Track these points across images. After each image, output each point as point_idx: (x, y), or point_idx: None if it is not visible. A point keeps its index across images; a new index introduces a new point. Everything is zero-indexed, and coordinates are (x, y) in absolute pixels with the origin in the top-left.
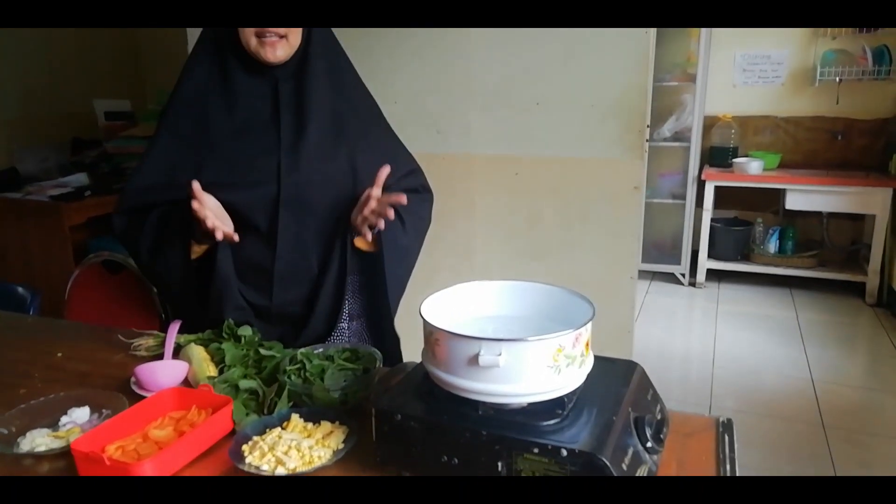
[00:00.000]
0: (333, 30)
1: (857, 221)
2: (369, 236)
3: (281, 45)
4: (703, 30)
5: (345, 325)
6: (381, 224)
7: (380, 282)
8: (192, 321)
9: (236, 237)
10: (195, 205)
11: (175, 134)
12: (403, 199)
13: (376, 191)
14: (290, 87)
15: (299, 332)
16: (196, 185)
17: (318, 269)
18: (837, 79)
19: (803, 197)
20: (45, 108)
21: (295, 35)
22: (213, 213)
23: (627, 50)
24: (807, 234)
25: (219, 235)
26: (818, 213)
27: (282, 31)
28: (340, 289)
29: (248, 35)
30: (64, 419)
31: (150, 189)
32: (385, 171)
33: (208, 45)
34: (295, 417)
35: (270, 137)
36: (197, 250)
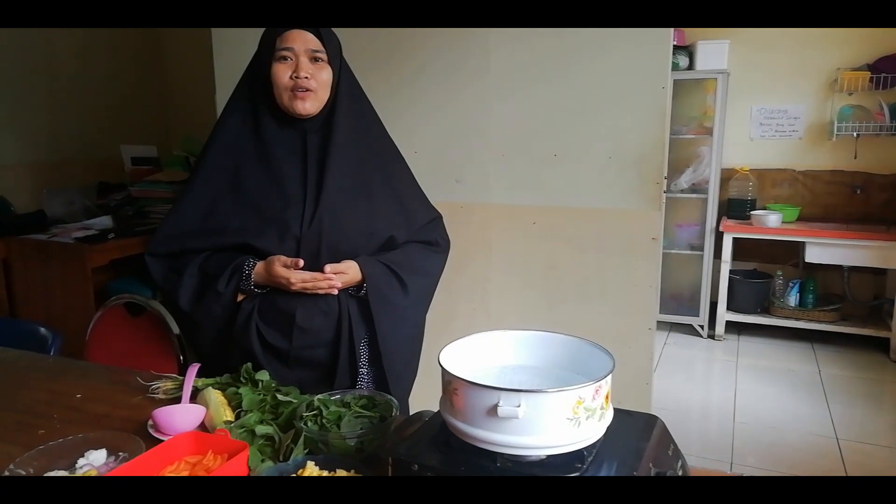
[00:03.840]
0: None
1: (880, 276)
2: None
3: (311, 98)
4: (720, 84)
5: (365, 370)
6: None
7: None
8: (216, 366)
9: (301, 261)
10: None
11: (209, 181)
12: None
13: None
14: (317, 139)
15: (332, 379)
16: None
17: (338, 316)
18: (855, 134)
19: (823, 250)
20: (73, 152)
21: (324, 89)
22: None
23: (644, 103)
24: (828, 287)
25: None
26: (839, 267)
27: (312, 84)
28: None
29: (282, 90)
30: (81, 461)
31: (185, 235)
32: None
33: (242, 97)
34: (310, 465)
35: (297, 187)
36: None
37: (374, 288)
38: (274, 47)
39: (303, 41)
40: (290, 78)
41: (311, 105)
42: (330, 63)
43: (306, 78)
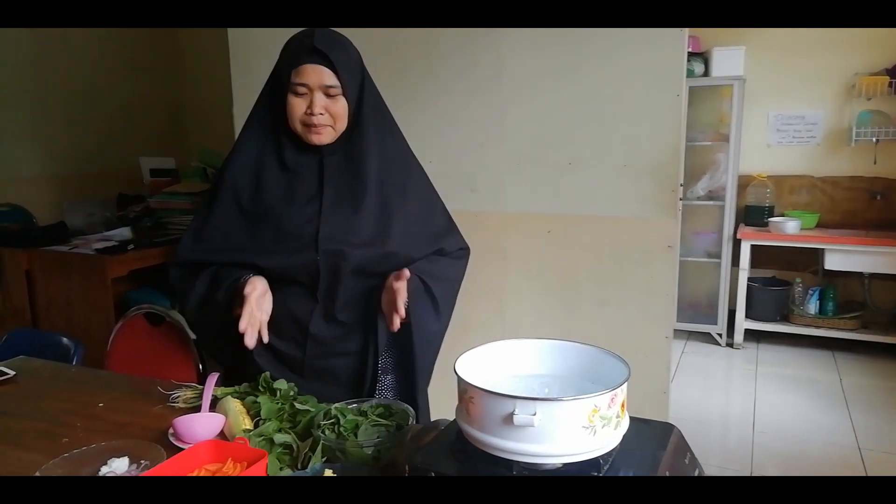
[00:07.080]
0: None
1: None
2: (396, 326)
3: (327, 131)
4: (736, 90)
5: (384, 377)
6: (395, 325)
7: (409, 363)
8: (230, 374)
9: (265, 338)
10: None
11: (231, 196)
12: (402, 304)
13: (398, 284)
14: (335, 160)
15: (358, 390)
16: (248, 295)
17: (357, 332)
18: (874, 139)
19: (843, 257)
20: (93, 164)
21: (340, 121)
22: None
23: (660, 110)
24: (848, 295)
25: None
26: (859, 274)
27: (326, 120)
28: (376, 349)
29: (296, 122)
30: (104, 469)
31: (207, 246)
32: (406, 274)
33: (262, 119)
34: (328, 473)
35: (314, 207)
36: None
37: (416, 314)
38: (290, 80)
39: (317, 76)
40: (305, 113)
41: (326, 137)
42: (345, 94)
43: (320, 114)
